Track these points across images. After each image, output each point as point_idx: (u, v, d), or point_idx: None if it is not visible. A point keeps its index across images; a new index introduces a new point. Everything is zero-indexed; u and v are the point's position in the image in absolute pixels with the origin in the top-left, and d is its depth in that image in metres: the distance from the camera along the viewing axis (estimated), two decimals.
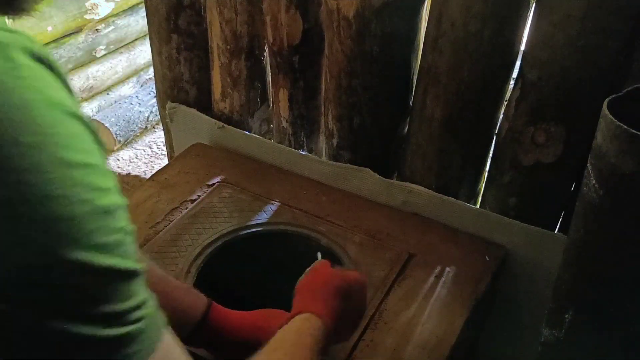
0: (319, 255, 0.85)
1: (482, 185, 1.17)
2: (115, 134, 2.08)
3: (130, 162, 2.00)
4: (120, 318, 0.37)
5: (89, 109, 2.18)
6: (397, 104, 1.16)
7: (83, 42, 2.07)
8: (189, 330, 0.75)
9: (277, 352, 0.62)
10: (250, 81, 1.31)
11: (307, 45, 1.21)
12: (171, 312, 0.49)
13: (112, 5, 2.12)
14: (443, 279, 0.98)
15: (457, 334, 0.87)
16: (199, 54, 1.36)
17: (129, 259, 0.38)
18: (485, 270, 1.00)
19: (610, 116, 0.62)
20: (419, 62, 1.08)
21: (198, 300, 0.78)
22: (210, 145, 1.34)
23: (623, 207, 0.65)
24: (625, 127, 0.60)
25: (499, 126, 1.07)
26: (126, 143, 2.15)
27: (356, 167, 1.18)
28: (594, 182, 0.67)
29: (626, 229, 0.65)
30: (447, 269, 1.00)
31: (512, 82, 1.03)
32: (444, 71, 1.01)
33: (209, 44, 1.32)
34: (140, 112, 2.19)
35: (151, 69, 1.89)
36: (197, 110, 1.37)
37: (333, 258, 1.02)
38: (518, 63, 1.00)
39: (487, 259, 1.03)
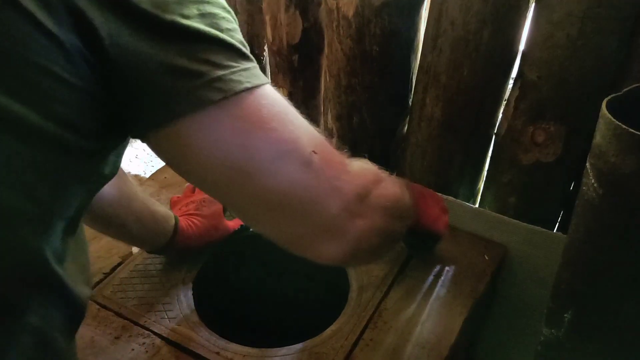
0: None
1: (482, 185, 1.17)
2: None
3: (130, 161, 2.00)
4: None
5: None
6: (397, 104, 1.16)
7: None
8: (168, 239, 0.89)
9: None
10: None
11: (307, 45, 1.21)
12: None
13: None
14: (442, 278, 0.98)
15: (457, 333, 0.87)
16: None
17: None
18: (485, 270, 1.00)
19: (610, 116, 0.62)
20: (418, 62, 1.08)
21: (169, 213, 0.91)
22: None
23: (623, 207, 0.64)
24: (625, 127, 0.60)
25: (499, 126, 1.07)
26: None
27: None
28: (593, 181, 0.67)
29: (626, 229, 0.65)
30: (447, 268, 1.00)
31: (511, 81, 1.03)
32: (444, 71, 1.01)
33: None
34: None
35: None
36: None
37: None
38: (518, 63, 1.00)
39: (487, 258, 1.03)
